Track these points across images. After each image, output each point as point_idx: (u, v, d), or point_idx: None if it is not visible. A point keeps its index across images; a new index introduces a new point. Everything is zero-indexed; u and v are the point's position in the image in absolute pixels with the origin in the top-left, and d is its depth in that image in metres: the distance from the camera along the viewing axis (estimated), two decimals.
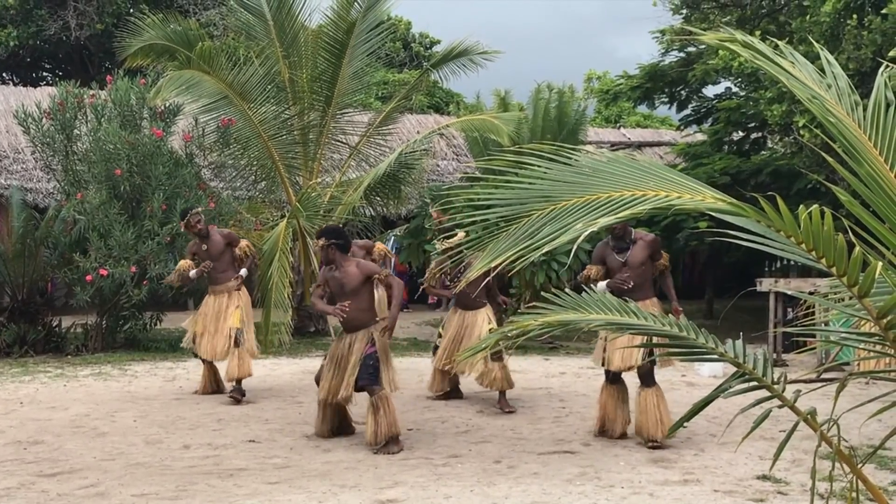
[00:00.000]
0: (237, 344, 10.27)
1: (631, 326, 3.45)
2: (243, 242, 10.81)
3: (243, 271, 10.65)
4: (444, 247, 9.84)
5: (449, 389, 10.40)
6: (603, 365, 8.29)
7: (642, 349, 7.79)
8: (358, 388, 7.96)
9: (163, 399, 10.41)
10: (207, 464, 7.46)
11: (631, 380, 8.44)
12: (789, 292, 11.50)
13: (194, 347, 10.63)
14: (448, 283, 10.02)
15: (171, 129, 15.12)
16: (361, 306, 8.04)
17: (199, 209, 10.86)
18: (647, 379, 8.09)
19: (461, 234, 9.76)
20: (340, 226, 8.79)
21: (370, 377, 7.88)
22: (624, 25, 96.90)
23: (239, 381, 10.28)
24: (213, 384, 10.77)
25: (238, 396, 10.17)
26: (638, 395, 8.14)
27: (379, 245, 10.95)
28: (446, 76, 17.64)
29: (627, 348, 7.83)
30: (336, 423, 8.39)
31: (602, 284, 7.98)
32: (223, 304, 10.46)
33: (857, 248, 2.86)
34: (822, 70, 3.48)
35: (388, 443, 7.80)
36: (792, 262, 14.03)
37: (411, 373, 12.08)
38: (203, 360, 10.74)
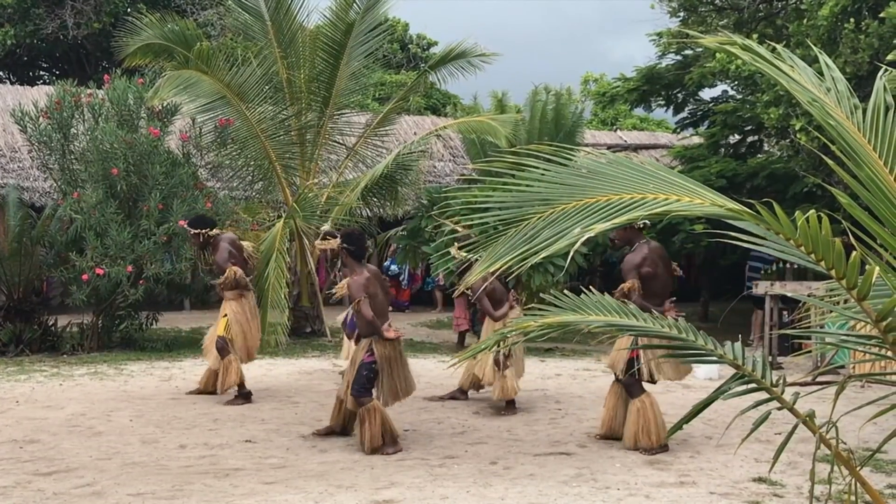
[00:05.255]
0: (222, 353, 10.12)
1: (630, 328, 3.44)
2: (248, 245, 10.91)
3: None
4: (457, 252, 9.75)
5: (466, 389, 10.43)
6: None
7: (623, 363, 7.87)
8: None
9: (159, 399, 10.40)
10: (204, 463, 7.46)
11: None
12: (789, 294, 11.51)
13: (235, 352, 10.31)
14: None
15: (168, 128, 15.11)
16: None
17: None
18: (630, 390, 8.08)
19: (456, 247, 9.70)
20: (361, 232, 8.63)
21: (358, 388, 7.87)
22: (617, 28, 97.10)
23: (240, 386, 10.24)
24: (212, 384, 10.69)
25: (242, 402, 10.10)
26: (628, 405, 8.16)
27: None
28: (444, 78, 17.61)
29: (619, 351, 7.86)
30: (348, 421, 8.41)
31: None
32: (249, 307, 10.44)
33: (856, 251, 2.87)
34: (821, 73, 3.48)
35: (385, 444, 7.80)
36: (787, 266, 14.04)
37: None
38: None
